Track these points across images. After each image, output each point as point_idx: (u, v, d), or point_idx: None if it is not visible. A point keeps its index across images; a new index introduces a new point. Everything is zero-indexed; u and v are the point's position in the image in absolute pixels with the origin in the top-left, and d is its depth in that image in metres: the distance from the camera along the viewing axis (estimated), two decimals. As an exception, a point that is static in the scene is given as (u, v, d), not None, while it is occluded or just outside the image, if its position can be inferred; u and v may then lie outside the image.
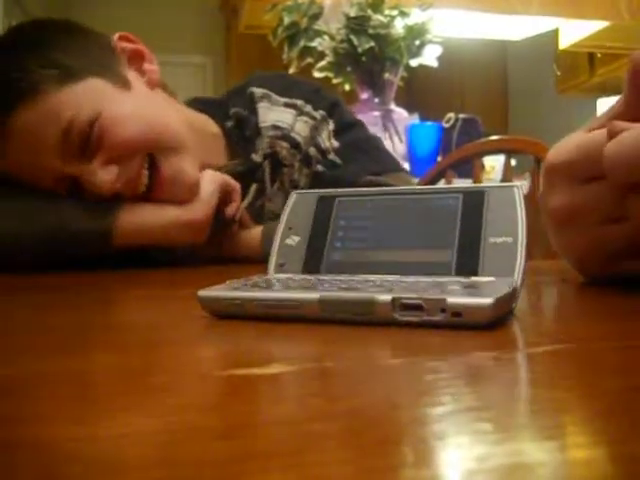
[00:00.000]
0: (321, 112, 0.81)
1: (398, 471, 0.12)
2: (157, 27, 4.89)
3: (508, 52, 4.86)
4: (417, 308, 0.26)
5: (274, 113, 0.82)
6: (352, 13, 1.72)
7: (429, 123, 1.99)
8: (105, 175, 0.65)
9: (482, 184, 0.37)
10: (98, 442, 0.13)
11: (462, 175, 1.60)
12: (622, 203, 0.35)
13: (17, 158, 0.67)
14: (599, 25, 2.66)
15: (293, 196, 0.37)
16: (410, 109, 2.03)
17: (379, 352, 0.23)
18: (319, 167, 0.80)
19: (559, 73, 4.01)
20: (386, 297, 0.26)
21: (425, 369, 0.20)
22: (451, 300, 0.25)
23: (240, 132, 0.83)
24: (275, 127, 0.81)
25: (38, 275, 0.60)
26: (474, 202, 0.34)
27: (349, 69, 1.80)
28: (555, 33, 2.94)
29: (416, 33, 1.77)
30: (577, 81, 3.88)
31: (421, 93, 4.27)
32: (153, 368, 0.21)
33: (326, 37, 1.76)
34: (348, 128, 0.83)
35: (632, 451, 0.13)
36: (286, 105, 0.82)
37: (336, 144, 0.80)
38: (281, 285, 0.30)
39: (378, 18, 1.72)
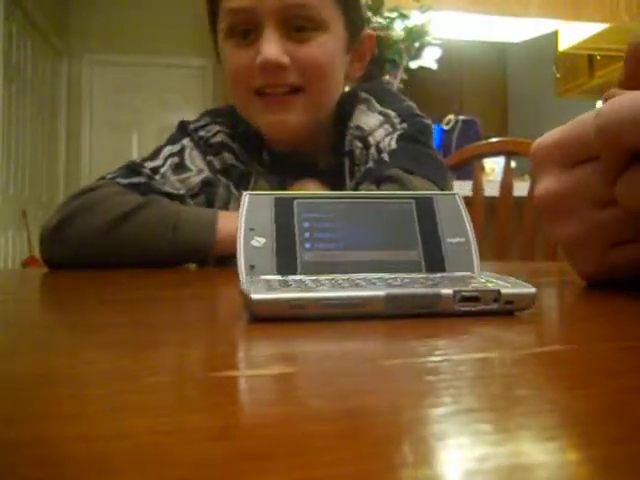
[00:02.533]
0: (404, 125, 0.82)
1: (398, 471, 0.12)
2: (157, 29, 4.90)
3: (507, 54, 4.87)
4: (474, 299, 0.29)
5: (365, 117, 0.85)
6: (352, 15, 1.72)
7: (429, 125, 1.99)
8: (270, 47, 0.73)
9: (426, 192, 0.40)
10: (94, 442, 0.13)
11: (462, 177, 1.61)
12: (612, 186, 0.34)
13: None
14: (598, 27, 2.66)
15: (246, 197, 0.36)
16: (410, 111, 2.02)
17: (380, 352, 0.23)
18: (371, 163, 0.81)
19: (558, 75, 4.01)
20: (448, 291, 0.29)
21: (425, 370, 0.20)
22: (504, 291, 0.29)
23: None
24: (358, 127, 0.84)
25: (41, 274, 0.60)
26: (426, 207, 0.37)
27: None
28: (554, 35, 2.95)
29: (416, 35, 1.78)
30: (576, 83, 3.89)
31: (420, 95, 4.27)
32: (151, 368, 0.20)
33: (326, 39, 1.76)
34: (414, 141, 0.82)
35: (632, 452, 0.13)
36: (380, 113, 0.85)
37: (393, 145, 0.80)
38: (323, 285, 0.30)
39: (378, 20, 1.72)
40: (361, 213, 0.37)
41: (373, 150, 0.81)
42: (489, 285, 0.30)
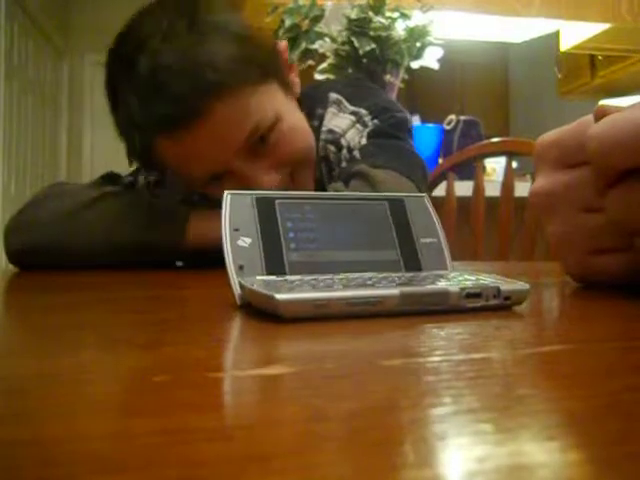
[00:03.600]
0: (375, 122, 0.80)
1: (399, 471, 0.12)
2: (158, 29, 4.90)
3: (509, 54, 4.86)
4: (476, 296, 0.31)
5: (337, 119, 0.83)
6: (353, 15, 1.72)
7: (430, 125, 1.99)
8: (268, 178, 0.69)
9: (397, 194, 0.41)
10: (94, 442, 0.13)
11: (463, 177, 1.60)
12: (601, 196, 0.34)
13: (193, 147, 0.67)
14: (600, 27, 2.66)
15: (228, 196, 0.36)
16: (411, 111, 2.02)
17: (380, 352, 0.23)
18: (344, 163, 0.80)
19: (560, 75, 4.01)
20: (455, 288, 0.30)
21: (425, 370, 0.20)
22: (503, 287, 0.31)
23: None
24: (330, 131, 0.82)
25: (38, 274, 0.61)
26: (398, 209, 0.39)
27: (350, 71, 1.80)
28: (556, 35, 2.94)
29: (417, 35, 1.77)
30: (578, 83, 3.88)
31: (422, 95, 4.27)
32: (152, 368, 0.21)
33: (327, 39, 1.76)
34: (385, 136, 0.80)
35: (632, 451, 0.13)
36: (351, 113, 0.83)
37: (363, 141, 0.79)
38: (336, 284, 0.31)
39: (379, 20, 1.72)
40: (339, 214, 0.38)
41: (345, 151, 0.80)
42: (488, 282, 0.32)
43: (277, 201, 0.36)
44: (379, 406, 0.16)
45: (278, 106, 0.70)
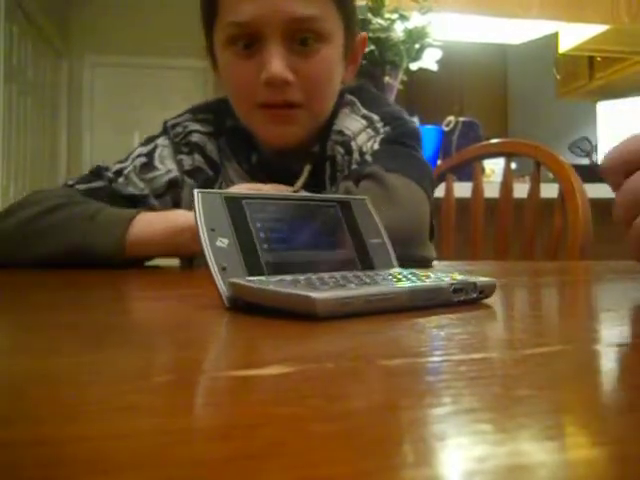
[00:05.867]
0: (387, 129, 0.81)
1: (398, 471, 0.12)
2: (158, 30, 4.90)
3: (508, 56, 4.87)
4: (461, 290, 0.34)
5: (348, 120, 0.84)
6: (352, 16, 1.72)
7: (429, 126, 1.99)
8: (278, 68, 0.73)
9: (345, 196, 0.42)
10: (94, 442, 0.13)
11: (462, 178, 1.61)
12: None
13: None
14: (599, 29, 2.66)
15: (199, 195, 0.35)
16: (410, 112, 2.02)
17: (380, 352, 0.23)
18: (355, 166, 0.80)
19: (559, 77, 4.01)
20: (447, 284, 0.33)
21: (425, 370, 0.20)
22: (479, 282, 0.34)
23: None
24: (340, 132, 0.83)
25: (39, 274, 0.60)
26: (347, 210, 0.41)
27: (349, 72, 1.80)
28: (555, 37, 2.94)
29: (416, 37, 1.78)
30: (577, 85, 3.89)
31: (421, 96, 4.28)
32: (150, 368, 0.21)
33: (326, 40, 1.76)
34: (398, 144, 0.81)
35: (632, 451, 0.13)
36: (363, 116, 0.84)
37: (376, 147, 0.79)
38: (347, 282, 0.32)
39: (378, 22, 1.72)
40: (301, 214, 0.39)
41: (356, 155, 0.81)
42: (467, 278, 0.35)
43: (244, 201, 0.36)
44: (379, 406, 0.16)
45: (335, 45, 0.77)
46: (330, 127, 0.84)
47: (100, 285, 0.54)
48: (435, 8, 1.93)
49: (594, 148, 2.90)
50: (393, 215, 0.66)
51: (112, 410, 0.16)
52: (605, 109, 2.99)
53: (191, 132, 0.87)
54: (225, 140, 0.87)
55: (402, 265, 0.42)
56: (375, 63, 1.77)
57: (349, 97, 0.86)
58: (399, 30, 1.77)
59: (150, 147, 0.86)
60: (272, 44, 0.73)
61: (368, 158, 0.78)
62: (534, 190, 1.24)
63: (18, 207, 0.75)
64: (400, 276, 0.35)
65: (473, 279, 0.35)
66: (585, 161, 2.84)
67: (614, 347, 0.23)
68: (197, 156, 0.86)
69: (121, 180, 0.82)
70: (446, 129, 2.11)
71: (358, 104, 0.85)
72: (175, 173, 0.85)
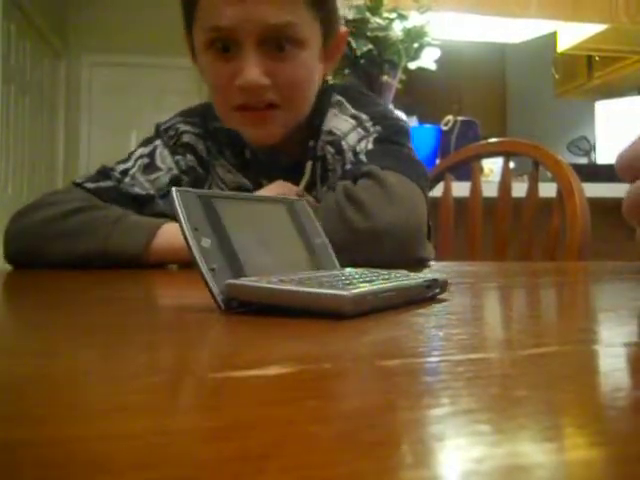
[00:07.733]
0: (378, 128, 0.81)
1: (397, 472, 0.12)
2: (155, 30, 4.89)
3: (506, 55, 4.87)
4: (429, 287, 0.36)
5: (336, 120, 0.84)
6: (350, 16, 1.72)
7: (427, 126, 1.99)
8: (253, 75, 0.74)
9: (288, 197, 0.42)
10: (94, 442, 0.13)
11: (461, 178, 1.61)
12: None
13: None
14: (597, 28, 2.66)
15: (177, 193, 0.34)
16: (408, 112, 2.03)
17: (377, 353, 0.23)
18: (349, 165, 0.80)
19: (557, 76, 4.01)
20: (422, 281, 0.36)
21: (423, 371, 0.20)
22: (440, 279, 0.38)
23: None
24: (330, 132, 0.83)
25: (38, 274, 0.60)
26: (291, 211, 0.41)
27: (347, 72, 1.81)
28: (553, 36, 2.94)
29: (414, 36, 1.78)
30: (575, 84, 3.89)
31: (419, 96, 4.27)
32: (150, 369, 0.21)
33: (325, 40, 1.76)
34: (391, 142, 0.81)
35: (630, 452, 0.13)
36: (352, 116, 0.84)
37: (370, 146, 0.80)
38: (352, 280, 0.34)
39: (376, 21, 1.72)
40: (259, 215, 0.39)
41: (350, 154, 0.81)
42: (432, 276, 0.38)
43: (212, 199, 0.36)
44: (377, 406, 0.16)
45: (311, 49, 0.77)
46: (320, 127, 0.84)
47: (100, 285, 0.54)
48: (434, 7, 1.93)
49: (592, 147, 2.90)
50: (393, 213, 0.66)
51: (112, 410, 0.16)
52: (603, 108, 2.99)
53: (183, 133, 0.89)
54: (211, 141, 0.89)
55: (354, 265, 0.42)
56: (374, 62, 1.77)
57: (337, 97, 0.86)
58: (398, 29, 1.77)
59: (150, 148, 0.88)
60: (248, 50, 0.74)
61: (363, 158, 0.78)
62: (532, 189, 1.24)
63: (32, 208, 0.76)
64: (369, 275, 0.37)
65: (437, 276, 0.38)
66: (584, 160, 2.85)
67: (613, 348, 0.23)
68: (189, 156, 0.89)
69: (127, 180, 0.84)
70: (445, 128, 2.10)
71: (346, 104, 0.85)
72: (175, 171, 0.87)
